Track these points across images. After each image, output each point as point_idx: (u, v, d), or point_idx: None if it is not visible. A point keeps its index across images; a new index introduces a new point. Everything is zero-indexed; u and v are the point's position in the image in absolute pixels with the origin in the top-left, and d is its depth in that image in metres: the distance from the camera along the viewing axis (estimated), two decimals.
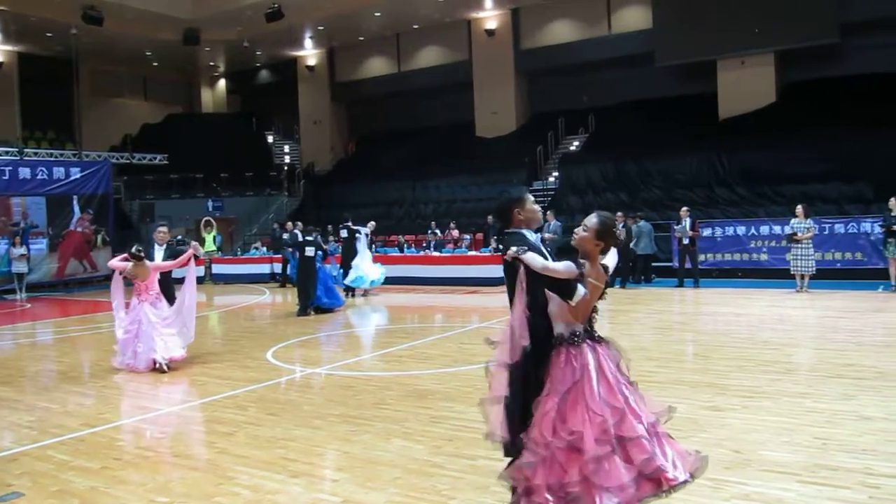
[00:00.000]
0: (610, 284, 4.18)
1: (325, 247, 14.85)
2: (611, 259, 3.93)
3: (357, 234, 16.96)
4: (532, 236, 4.06)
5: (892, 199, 14.24)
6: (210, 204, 28.45)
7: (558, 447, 3.55)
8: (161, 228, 9.87)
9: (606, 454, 3.50)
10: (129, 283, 9.38)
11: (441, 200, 25.70)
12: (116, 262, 9.24)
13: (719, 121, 23.30)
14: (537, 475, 3.56)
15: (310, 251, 14.31)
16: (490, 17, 28.01)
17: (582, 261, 3.78)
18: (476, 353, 9.28)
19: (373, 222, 18.83)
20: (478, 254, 19.11)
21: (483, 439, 4.04)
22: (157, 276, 9.28)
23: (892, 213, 13.94)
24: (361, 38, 30.66)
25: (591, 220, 3.84)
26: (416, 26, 29.23)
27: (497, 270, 17.57)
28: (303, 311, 13.91)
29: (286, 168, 32.72)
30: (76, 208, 23.15)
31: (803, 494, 4.33)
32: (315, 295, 14.02)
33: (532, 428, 3.64)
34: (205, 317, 15.06)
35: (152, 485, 4.95)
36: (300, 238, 14.85)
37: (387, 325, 12.64)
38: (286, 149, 35.71)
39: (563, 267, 3.72)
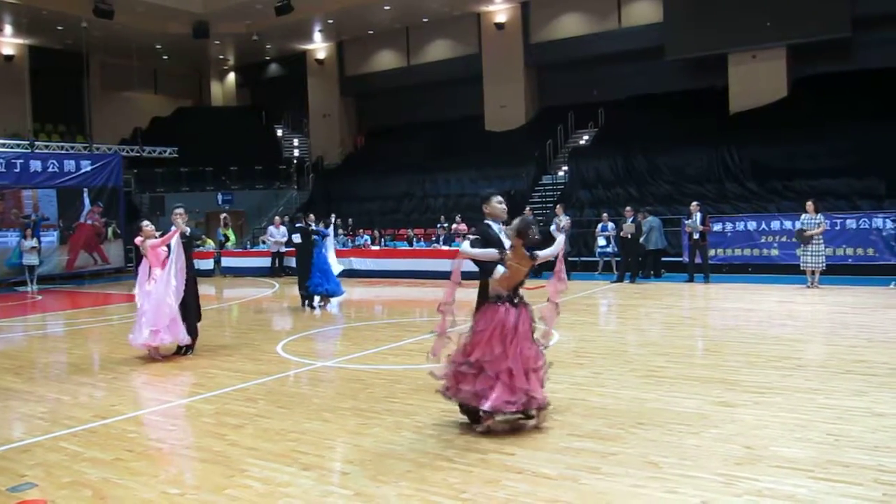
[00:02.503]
0: (536, 270, 5.90)
1: (313, 228, 14.07)
2: (553, 249, 5.85)
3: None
4: (496, 227, 5.92)
5: None
6: (220, 197, 28.54)
7: (460, 368, 5.58)
8: (178, 210, 9.34)
9: (491, 377, 5.44)
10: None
11: (450, 194, 25.68)
12: (139, 239, 9.46)
13: (730, 115, 23.18)
14: (447, 381, 5.71)
15: (296, 238, 14.21)
16: (500, 10, 27.93)
17: (507, 250, 5.58)
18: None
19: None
20: None
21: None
22: (162, 254, 9.19)
23: None
24: (371, 32, 30.63)
25: (514, 222, 5.55)
26: (425, 20, 29.18)
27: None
28: (302, 302, 14.04)
29: (295, 161, 32.78)
30: (87, 201, 23.27)
31: (815, 491, 4.31)
32: (314, 282, 13.84)
33: (453, 352, 5.74)
34: (215, 310, 15.11)
35: (164, 476, 4.97)
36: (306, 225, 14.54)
37: (396, 319, 12.65)
38: (295, 142, 35.75)
39: (481, 253, 5.67)
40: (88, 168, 23.34)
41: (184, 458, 5.38)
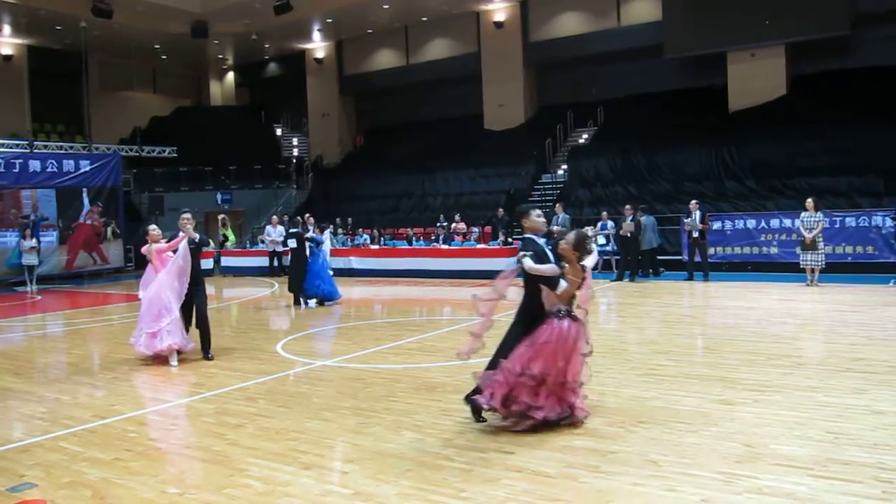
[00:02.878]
0: (585, 279, 5.70)
1: (307, 236, 14.42)
2: (590, 260, 5.68)
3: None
4: (540, 241, 5.87)
5: None
6: (219, 196, 28.51)
7: (520, 379, 5.51)
8: (185, 216, 9.22)
9: (549, 390, 5.52)
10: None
11: (449, 193, 25.67)
12: (145, 247, 9.32)
13: (729, 113, 23.16)
14: (497, 390, 5.56)
15: (291, 243, 14.54)
16: (499, 9, 27.91)
17: (563, 263, 5.64)
18: (486, 345, 9.27)
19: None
20: (486, 246, 19.09)
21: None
22: (164, 261, 9.05)
23: None
24: (370, 31, 30.61)
25: (570, 236, 5.68)
26: (424, 18, 29.17)
27: (505, 263, 17.61)
28: (295, 302, 14.29)
29: (294, 161, 32.75)
30: (86, 201, 23.26)
31: (815, 489, 4.31)
32: (310, 286, 14.18)
33: (508, 360, 5.60)
34: (215, 309, 15.09)
35: (164, 476, 4.97)
36: (303, 230, 14.79)
37: (396, 318, 12.65)
38: (294, 141, 35.72)
39: (548, 268, 5.63)
40: (87, 168, 23.32)
41: (184, 458, 5.38)
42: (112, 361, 9.26)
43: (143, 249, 9.35)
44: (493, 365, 5.77)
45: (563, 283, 5.58)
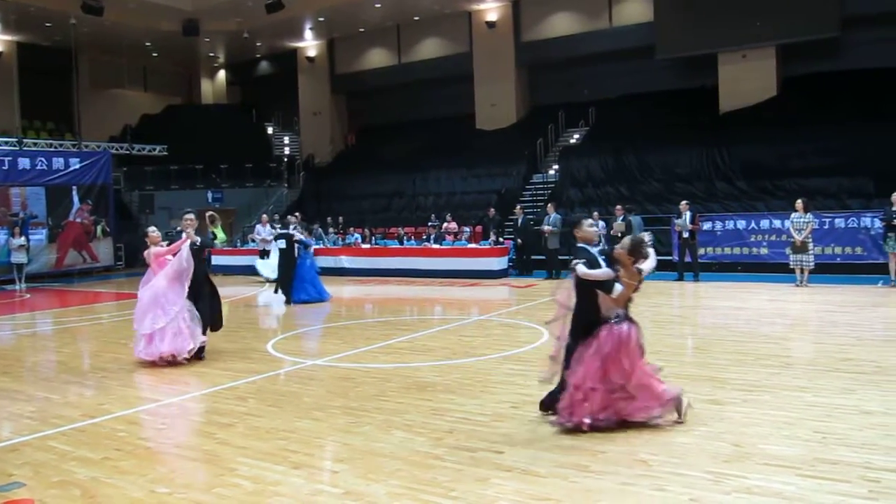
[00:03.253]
0: (641, 282, 5.73)
1: (298, 237, 14.81)
2: (648, 264, 5.69)
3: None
4: (593, 250, 5.83)
5: (894, 194, 14.26)
6: (210, 195, 28.41)
7: (604, 389, 5.51)
8: (187, 216, 8.91)
9: (628, 395, 5.54)
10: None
11: (441, 193, 25.67)
12: (147, 251, 9.07)
13: (720, 114, 23.24)
14: (576, 408, 5.50)
15: (280, 244, 14.87)
16: (491, 8, 27.91)
17: (617, 267, 5.63)
18: (476, 345, 9.31)
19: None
20: (477, 246, 19.11)
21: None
22: (163, 264, 8.77)
23: (893, 208, 13.95)
24: (362, 30, 30.56)
25: (626, 241, 5.74)
26: (416, 18, 29.14)
27: (496, 263, 17.66)
28: (287, 301, 14.52)
29: (286, 160, 32.68)
30: (76, 199, 23.16)
31: (803, 488, 4.34)
32: (299, 291, 14.42)
33: (572, 375, 5.58)
34: None
35: (153, 475, 4.96)
36: (292, 231, 15.03)
37: (387, 318, 12.65)
38: (286, 140, 35.63)
39: (601, 273, 5.62)
40: (77, 166, 23.22)
41: (173, 457, 5.37)
42: (102, 360, 9.23)
43: (145, 253, 9.10)
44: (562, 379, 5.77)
45: (618, 287, 5.57)
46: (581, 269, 5.64)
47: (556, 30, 27.11)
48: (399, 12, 28.36)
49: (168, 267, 8.65)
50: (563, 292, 5.93)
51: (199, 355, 8.82)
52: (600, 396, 5.50)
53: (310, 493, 4.55)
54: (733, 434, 5.34)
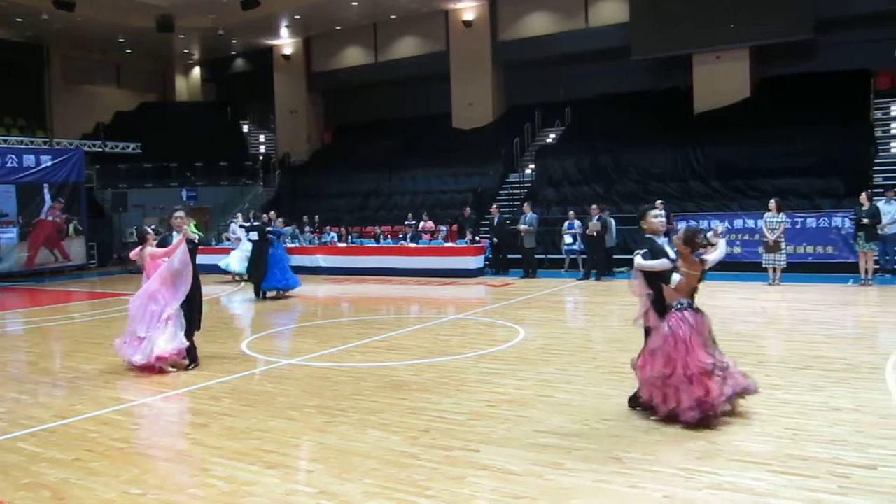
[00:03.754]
0: (704, 272, 5.83)
1: (269, 228, 15.26)
2: (713, 255, 5.80)
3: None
4: (659, 240, 6.00)
5: (863, 193, 14.50)
6: (184, 193, 28.16)
7: (674, 379, 5.51)
8: (177, 213, 8.46)
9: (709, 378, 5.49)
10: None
11: (417, 191, 25.65)
12: (136, 251, 8.64)
13: (694, 115, 23.44)
14: (655, 394, 5.63)
15: (252, 236, 15.27)
16: (468, 7, 27.93)
17: (675, 257, 5.78)
18: (452, 344, 9.32)
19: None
20: (454, 245, 19.11)
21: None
22: (157, 266, 8.32)
23: (863, 208, 14.17)
24: (338, 28, 30.44)
25: (681, 231, 5.84)
26: (393, 16, 29.09)
27: (472, 262, 17.62)
28: (256, 292, 14.94)
29: (262, 158, 32.48)
30: (47, 196, 22.83)
31: (774, 484, 4.39)
32: (270, 279, 14.83)
33: (653, 366, 5.66)
34: None
35: (126, 476, 4.91)
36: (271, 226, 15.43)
37: (363, 317, 12.61)
38: (262, 138, 35.44)
39: (656, 264, 5.77)
40: (49, 163, 22.90)
41: (146, 458, 5.31)
42: (74, 360, 9.12)
43: (133, 254, 8.65)
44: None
45: (675, 277, 5.68)
46: (638, 260, 5.83)
47: (532, 30, 27.18)
48: (376, 11, 28.28)
49: (163, 267, 8.22)
50: (637, 284, 6.05)
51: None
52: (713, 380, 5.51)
53: (284, 493, 4.53)
54: (706, 431, 5.39)
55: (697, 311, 5.76)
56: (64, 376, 8.22)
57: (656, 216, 6.12)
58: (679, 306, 5.72)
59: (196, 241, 8.51)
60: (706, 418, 5.42)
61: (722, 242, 5.92)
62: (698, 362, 5.50)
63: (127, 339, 8.28)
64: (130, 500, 4.52)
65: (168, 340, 8.07)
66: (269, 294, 14.94)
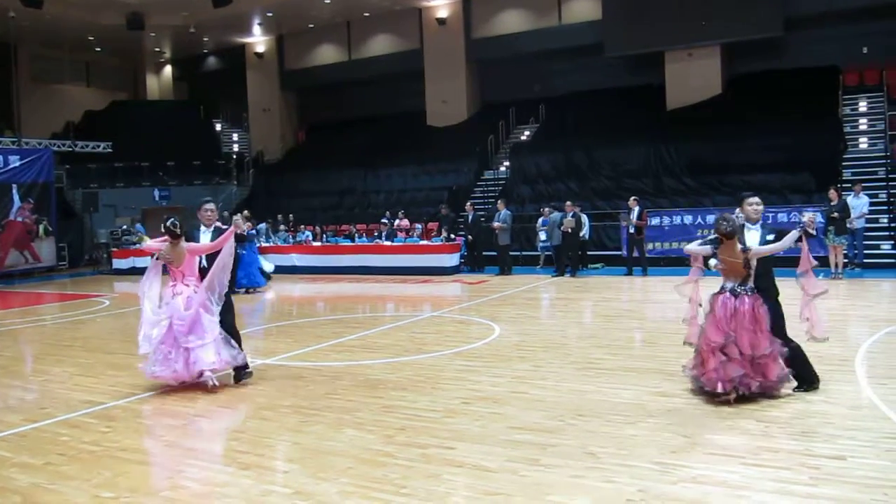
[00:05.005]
0: (747, 261, 6.10)
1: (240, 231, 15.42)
2: (771, 246, 6.16)
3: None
4: (753, 227, 6.35)
5: (832, 189, 14.71)
6: (157, 193, 27.87)
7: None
8: (207, 206, 7.68)
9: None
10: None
11: (392, 190, 25.60)
12: (152, 243, 7.50)
13: (667, 111, 23.63)
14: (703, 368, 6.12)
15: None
16: (441, 5, 27.91)
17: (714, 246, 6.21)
18: (428, 342, 9.31)
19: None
20: (429, 243, 19.10)
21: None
22: (197, 262, 7.43)
23: (832, 203, 14.38)
24: (311, 26, 30.29)
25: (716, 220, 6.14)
26: (366, 14, 29.00)
27: (448, 259, 17.56)
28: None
29: (235, 157, 32.23)
30: (16, 197, 22.49)
31: (747, 476, 4.44)
32: (240, 277, 15.06)
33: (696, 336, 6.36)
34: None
35: (98, 480, 4.84)
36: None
37: (338, 315, 12.57)
38: (235, 137, 35.17)
39: (699, 250, 6.44)
40: (17, 163, 22.55)
41: (118, 461, 5.24)
42: (44, 363, 8.99)
43: (152, 246, 7.45)
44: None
45: (711, 262, 6.30)
46: (685, 247, 6.60)
47: (506, 27, 27.24)
48: (349, 8, 28.18)
49: (216, 269, 7.21)
50: (696, 264, 6.62)
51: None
52: (714, 358, 6.00)
53: (259, 494, 4.50)
54: (680, 425, 5.44)
55: (742, 296, 6.09)
56: (34, 379, 8.11)
57: (751, 203, 6.39)
58: (721, 290, 6.20)
59: (247, 234, 7.86)
60: (707, 390, 6.02)
61: (787, 238, 6.16)
62: (709, 340, 6.05)
63: (168, 354, 7.13)
64: (102, 503, 4.46)
65: (216, 350, 7.14)
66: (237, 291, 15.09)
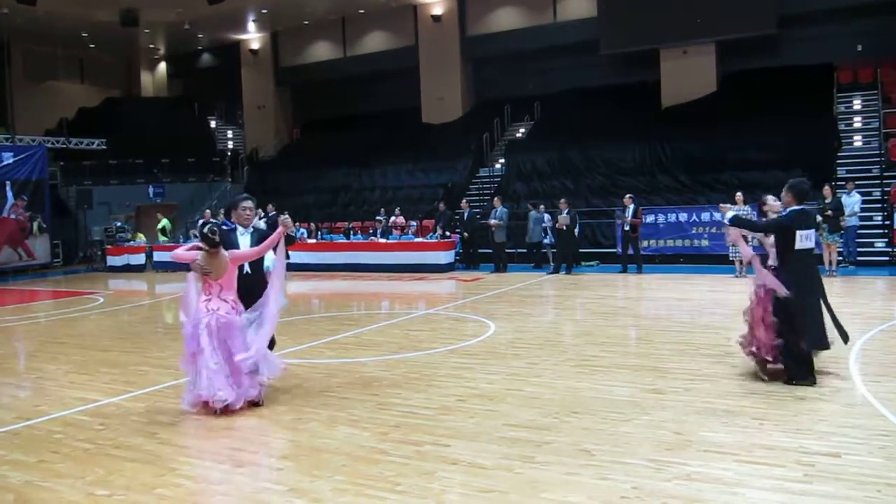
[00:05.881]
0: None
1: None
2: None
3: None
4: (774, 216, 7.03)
5: (826, 186, 14.74)
6: (151, 190, 27.82)
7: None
8: (245, 203, 6.76)
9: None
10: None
11: (387, 187, 25.57)
12: (183, 252, 6.45)
13: (662, 109, 23.65)
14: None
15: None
16: (436, 2, 27.90)
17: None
18: (422, 339, 9.31)
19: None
20: (424, 240, 19.09)
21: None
22: (236, 272, 6.39)
23: (827, 200, 14.40)
24: (306, 22, 30.23)
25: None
26: (361, 11, 28.96)
27: (443, 257, 17.57)
28: None
29: (229, 154, 32.16)
30: (9, 194, 22.44)
31: (741, 473, 4.45)
32: None
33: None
34: (147, 305, 14.78)
35: (92, 478, 4.83)
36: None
37: (333, 313, 12.56)
38: (229, 134, 35.12)
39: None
40: (11, 160, 22.48)
41: (112, 459, 5.22)
42: (38, 361, 8.96)
43: (184, 255, 6.39)
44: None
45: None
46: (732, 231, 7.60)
47: (501, 24, 27.24)
48: (343, 5, 28.17)
49: (276, 273, 6.57)
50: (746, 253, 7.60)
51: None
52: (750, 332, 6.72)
53: (253, 492, 4.49)
54: (675, 422, 5.45)
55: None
56: (28, 377, 8.08)
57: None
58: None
59: (295, 234, 6.71)
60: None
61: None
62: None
63: (241, 380, 6.18)
64: (96, 501, 4.45)
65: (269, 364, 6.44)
66: None
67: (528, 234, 18.29)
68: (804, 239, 6.44)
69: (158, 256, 22.03)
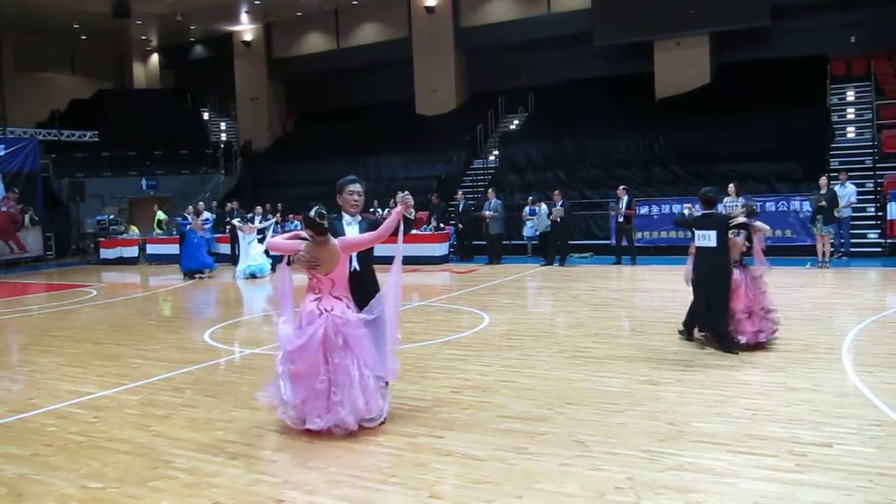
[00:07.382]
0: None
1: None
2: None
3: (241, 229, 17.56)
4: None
5: (823, 177, 14.78)
6: (144, 182, 27.71)
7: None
8: (353, 187, 5.89)
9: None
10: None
11: (381, 179, 25.49)
12: (282, 241, 5.52)
13: (656, 101, 23.65)
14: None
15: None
16: None
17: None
18: (417, 330, 9.30)
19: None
20: (418, 232, 19.07)
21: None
22: (347, 264, 5.47)
23: (822, 192, 14.43)
24: (299, 14, 30.11)
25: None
26: (354, 2, 28.87)
27: (437, 249, 17.53)
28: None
29: (222, 146, 32.05)
30: (1, 187, 22.31)
31: (734, 463, 4.47)
32: (187, 260, 17.14)
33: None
34: (140, 298, 14.74)
35: (85, 470, 4.82)
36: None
37: None
38: (222, 126, 34.98)
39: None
40: (2, 152, 22.40)
41: (106, 451, 5.22)
42: (31, 354, 8.93)
43: (279, 245, 5.52)
44: None
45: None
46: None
47: (494, 16, 27.18)
48: None
49: (395, 268, 5.63)
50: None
51: None
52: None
53: (248, 483, 4.49)
54: (668, 413, 5.47)
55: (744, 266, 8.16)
56: (20, 370, 8.06)
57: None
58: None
59: (412, 216, 5.71)
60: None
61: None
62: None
63: (376, 397, 5.35)
64: (90, 494, 4.44)
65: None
66: (196, 276, 16.91)
67: (534, 226, 18.11)
68: (702, 238, 7.65)
69: (152, 249, 21.98)
